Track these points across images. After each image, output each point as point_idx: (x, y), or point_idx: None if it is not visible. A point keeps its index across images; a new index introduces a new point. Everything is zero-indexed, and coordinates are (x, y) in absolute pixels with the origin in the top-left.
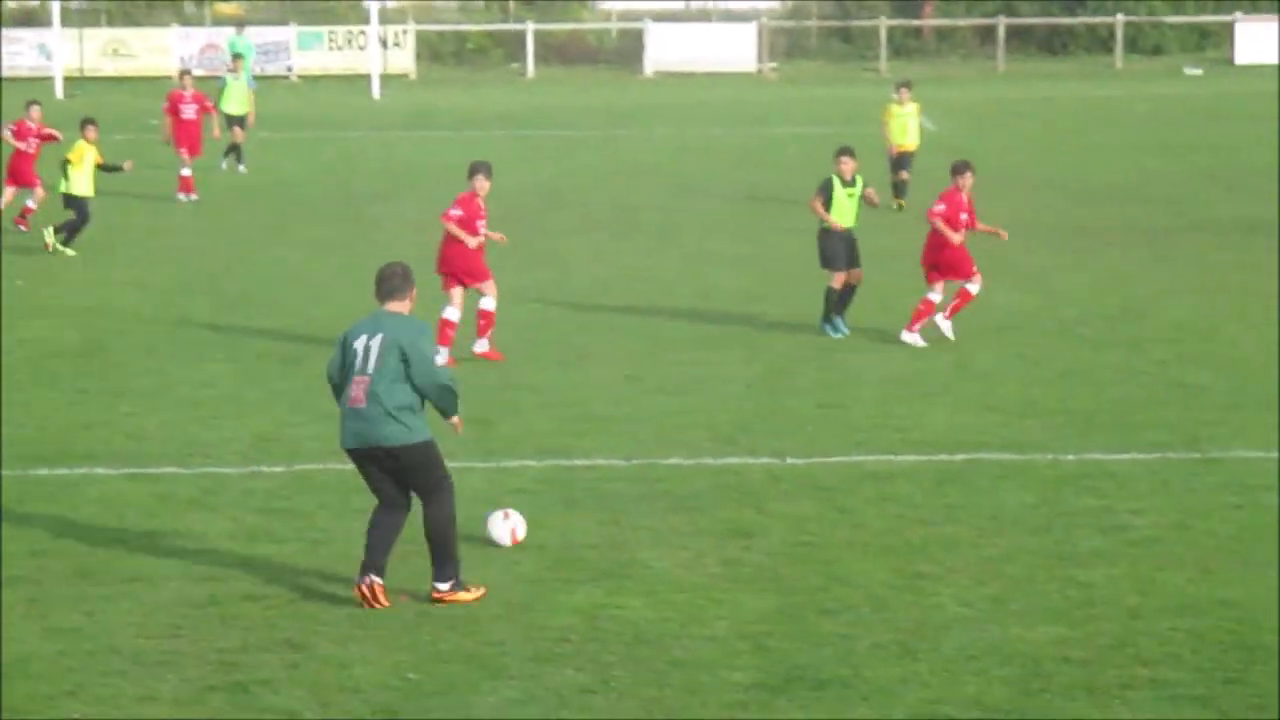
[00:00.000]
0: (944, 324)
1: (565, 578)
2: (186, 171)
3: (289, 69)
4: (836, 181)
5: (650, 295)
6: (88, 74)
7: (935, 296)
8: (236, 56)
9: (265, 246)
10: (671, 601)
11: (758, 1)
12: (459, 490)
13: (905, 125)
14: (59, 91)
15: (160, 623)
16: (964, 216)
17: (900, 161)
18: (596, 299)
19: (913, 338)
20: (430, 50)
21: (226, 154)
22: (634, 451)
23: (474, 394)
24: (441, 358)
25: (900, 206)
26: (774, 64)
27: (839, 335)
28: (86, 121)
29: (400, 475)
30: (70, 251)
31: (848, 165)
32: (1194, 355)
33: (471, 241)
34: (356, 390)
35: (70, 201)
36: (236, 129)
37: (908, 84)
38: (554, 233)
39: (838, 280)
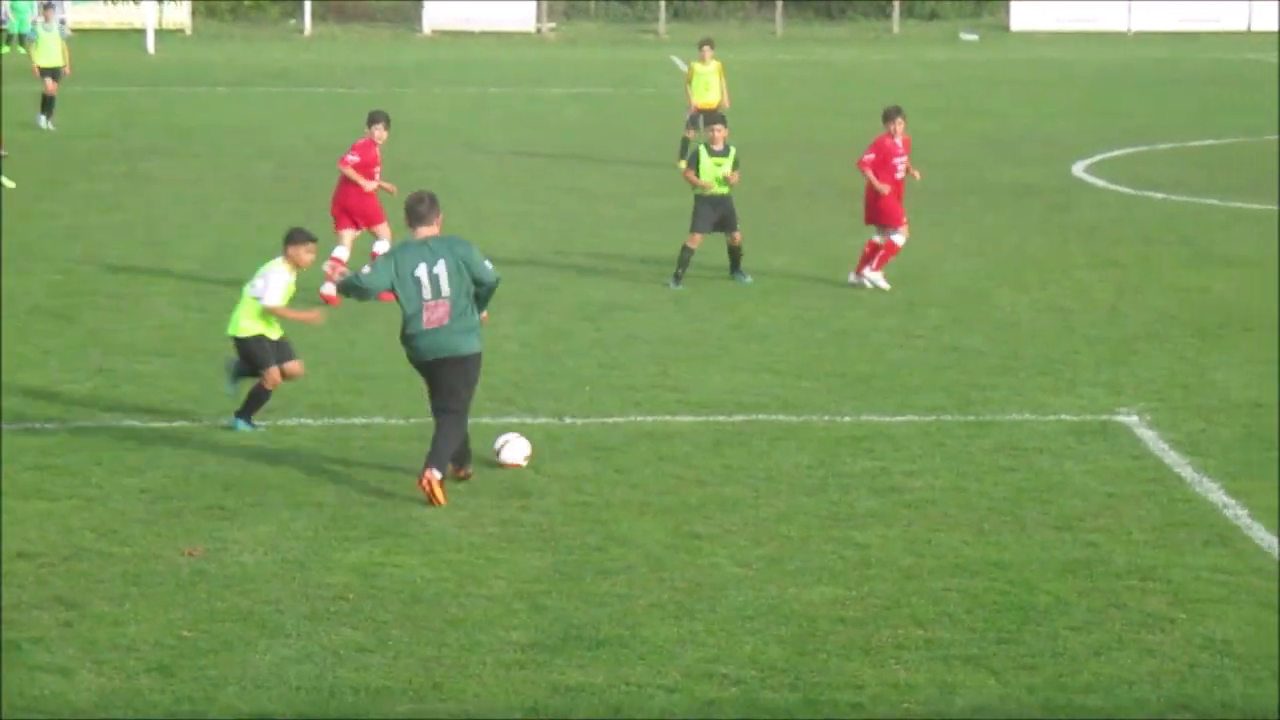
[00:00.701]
0: (874, 275)
1: (342, 536)
2: None
3: (61, 22)
4: (703, 150)
5: None
6: None
7: (877, 239)
8: (47, 6)
9: (38, 201)
10: (448, 560)
11: None
12: (235, 449)
13: (708, 83)
14: None
15: None
16: (899, 162)
17: (697, 120)
18: (364, 259)
19: (875, 277)
20: (206, 5)
21: (43, 109)
22: (411, 410)
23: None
24: (328, 288)
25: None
26: (553, 24)
27: (678, 288)
28: None
29: (463, 379)
30: None
31: (718, 134)
32: (968, 319)
33: (368, 185)
34: (438, 312)
35: None
36: (49, 81)
37: (709, 42)
38: (328, 191)
39: (693, 240)
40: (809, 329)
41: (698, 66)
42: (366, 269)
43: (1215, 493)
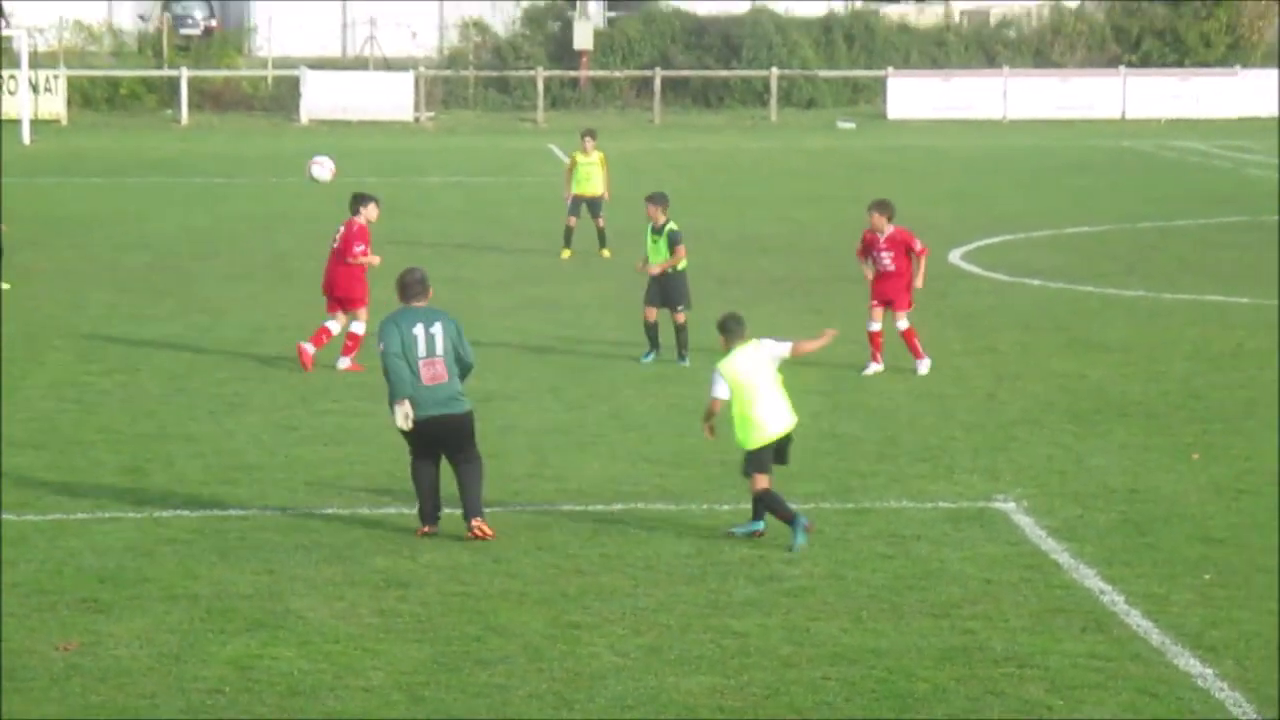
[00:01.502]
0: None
1: (218, 628)
2: None
3: None
4: (648, 229)
5: (298, 339)
6: None
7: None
8: None
9: None
10: (326, 652)
11: (414, 50)
12: (110, 542)
13: (589, 174)
14: None
15: None
16: (883, 255)
17: (578, 207)
18: (250, 347)
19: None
20: (83, 95)
21: None
22: (288, 501)
23: (126, 444)
24: (344, 364)
25: (600, 254)
26: (431, 113)
27: (647, 360)
28: None
29: (455, 438)
30: None
31: (653, 212)
32: (847, 405)
33: (375, 261)
34: (436, 369)
35: None
36: None
37: (591, 133)
38: (207, 280)
39: (647, 314)
40: (687, 418)
41: (579, 156)
42: (381, 345)
43: (1091, 579)
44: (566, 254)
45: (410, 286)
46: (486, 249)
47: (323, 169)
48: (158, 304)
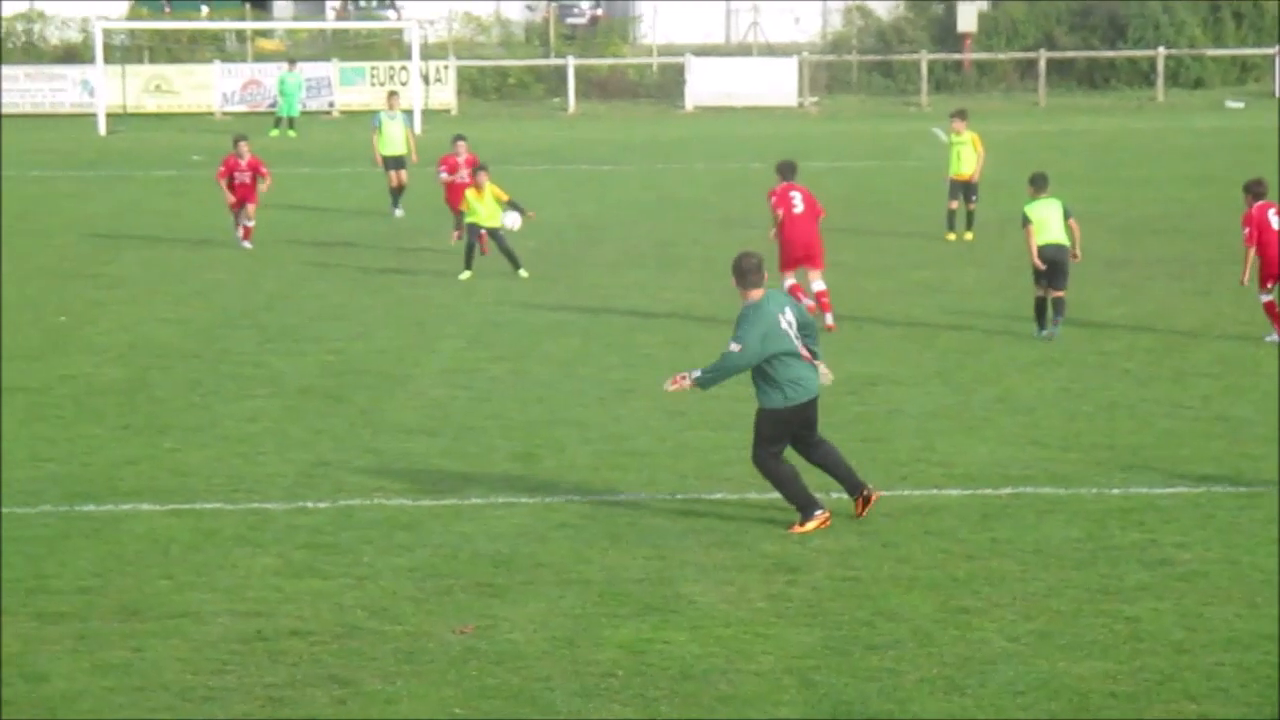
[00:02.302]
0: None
1: (610, 613)
2: (250, 222)
3: (331, 104)
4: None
5: (692, 330)
6: (130, 110)
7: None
8: (392, 94)
9: (307, 282)
10: (717, 636)
11: (798, 36)
12: (504, 527)
13: (959, 154)
14: (101, 128)
15: (207, 659)
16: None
17: (956, 191)
18: (637, 334)
19: None
20: (472, 85)
21: (395, 200)
22: (678, 487)
23: (517, 430)
24: (829, 320)
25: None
26: (815, 98)
27: (1044, 335)
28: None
29: (810, 419)
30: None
31: (1032, 194)
32: (1237, 388)
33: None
34: (804, 354)
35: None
36: (394, 173)
37: (961, 114)
38: (595, 267)
39: (1040, 289)
40: (1075, 401)
41: (952, 138)
42: (735, 346)
43: None
44: (951, 237)
45: (753, 272)
46: (869, 233)
47: (513, 221)
48: (546, 291)
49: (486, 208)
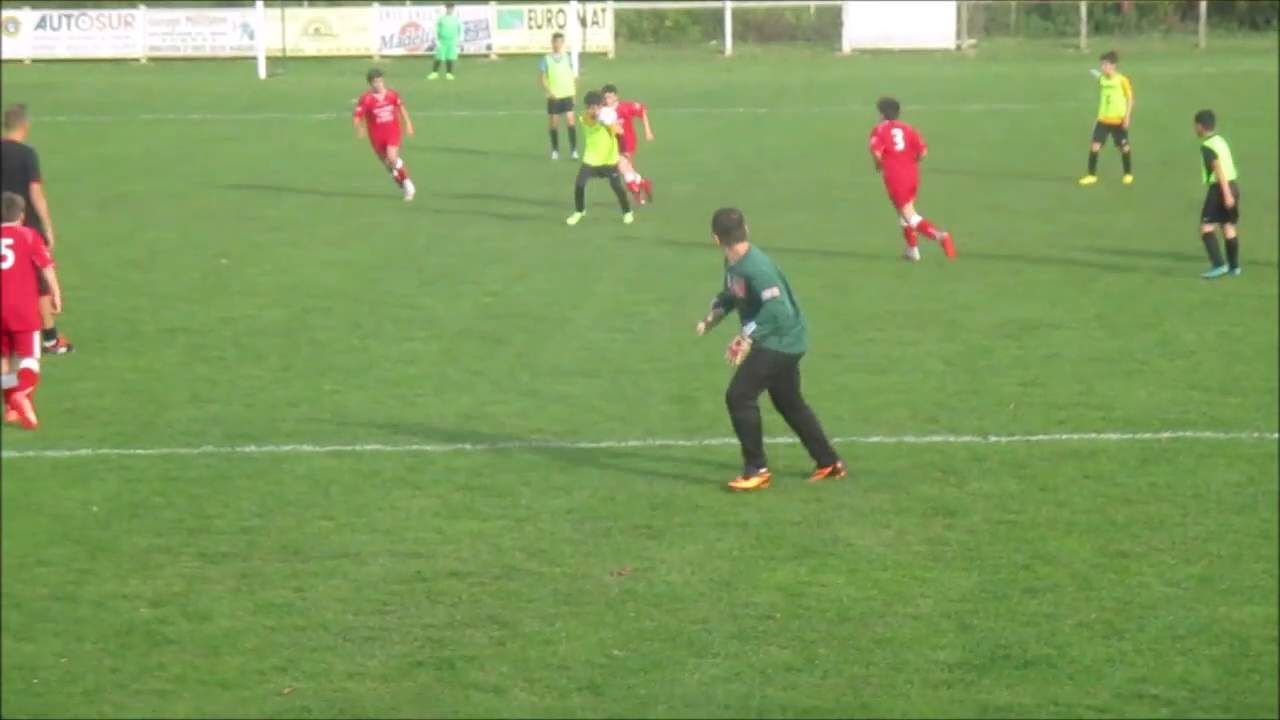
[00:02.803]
0: None
1: (768, 555)
2: (398, 163)
3: (488, 48)
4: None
5: (848, 272)
6: (289, 54)
7: None
8: (557, 36)
9: (466, 224)
10: (874, 579)
11: None
12: (662, 469)
13: (1109, 97)
14: (261, 71)
15: (367, 599)
16: None
17: (1103, 134)
18: (796, 277)
19: None
20: (629, 28)
21: (555, 143)
22: (834, 429)
23: (674, 372)
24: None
25: (1121, 180)
26: (973, 40)
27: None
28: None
29: (797, 373)
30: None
31: (1200, 130)
32: None
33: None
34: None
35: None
36: (556, 116)
37: (1111, 56)
38: (752, 210)
39: (1215, 227)
40: (1235, 345)
41: (1102, 81)
42: (771, 292)
43: None
44: (1090, 180)
45: (736, 227)
46: (1028, 177)
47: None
48: (704, 233)
49: (602, 148)
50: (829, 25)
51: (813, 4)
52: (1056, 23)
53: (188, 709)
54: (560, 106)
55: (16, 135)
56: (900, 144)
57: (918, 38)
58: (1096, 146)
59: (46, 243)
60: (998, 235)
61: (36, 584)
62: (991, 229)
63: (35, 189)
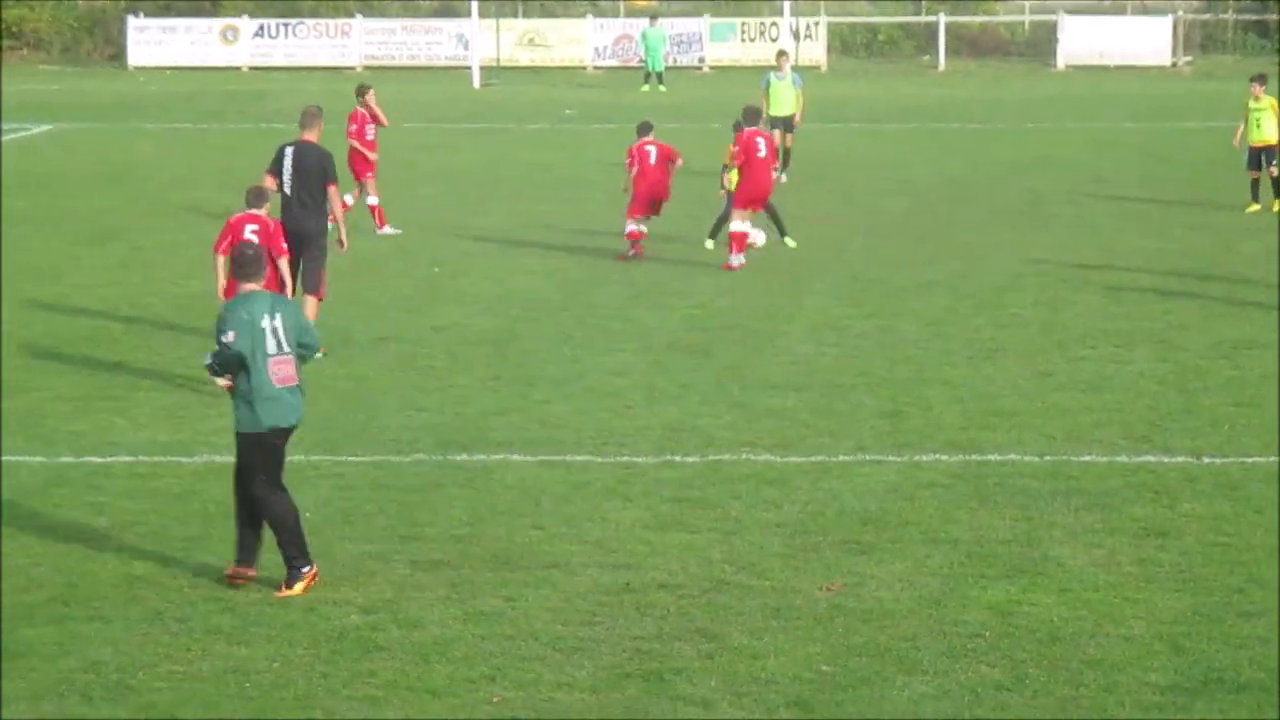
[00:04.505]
0: None
1: (978, 573)
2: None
3: (700, 60)
4: None
5: (1060, 289)
6: (503, 64)
7: None
8: (782, 54)
9: (676, 235)
10: (1085, 600)
11: None
12: (871, 484)
13: (1258, 121)
14: (475, 81)
15: (577, 609)
16: None
17: (1252, 159)
18: (1006, 294)
19: None
20: (841, 42)
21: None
22: (1046, 448)
23: (885, 387)
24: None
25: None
26: (1189, 58)
27: None
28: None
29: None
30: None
31: None
32: None
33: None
34: (287, 369)
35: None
36: (779, 133)
37: (1260, 78)
38: (963, 226)
39: None
40: None
41: (1250, 104)
42: (229, 335)
43: None
44: (1255, 208)
45: (247, 264)
46: (1239, 196)
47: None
48: (916, 249)
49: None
50: (1044, 40)
51: (1028, 19)
52: (1273, 40)
53: (397, 715)
54: (781, 125)
55: (311, 136)
56: (763, 151)
57: (1133, 54)
58: (1255, 174)
59: (341, 244)
60: (1208, 255)
61: (249, 588)
62: (1202, 249)
63: (332, 190)
